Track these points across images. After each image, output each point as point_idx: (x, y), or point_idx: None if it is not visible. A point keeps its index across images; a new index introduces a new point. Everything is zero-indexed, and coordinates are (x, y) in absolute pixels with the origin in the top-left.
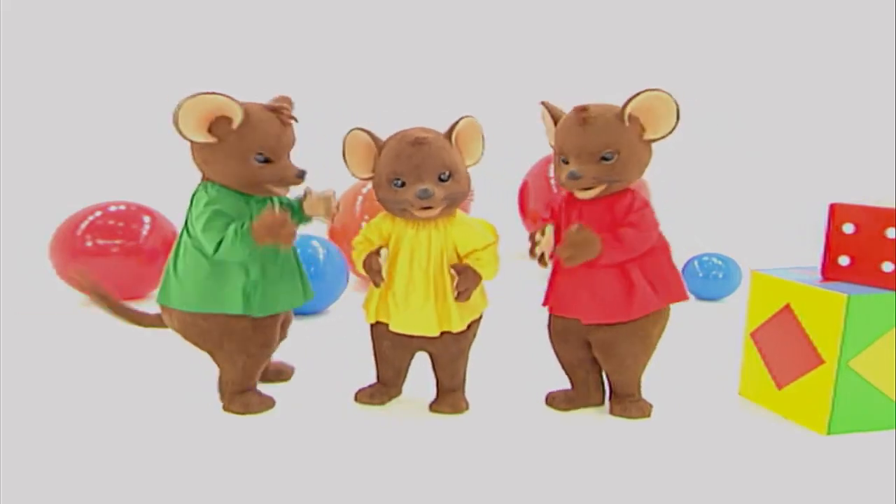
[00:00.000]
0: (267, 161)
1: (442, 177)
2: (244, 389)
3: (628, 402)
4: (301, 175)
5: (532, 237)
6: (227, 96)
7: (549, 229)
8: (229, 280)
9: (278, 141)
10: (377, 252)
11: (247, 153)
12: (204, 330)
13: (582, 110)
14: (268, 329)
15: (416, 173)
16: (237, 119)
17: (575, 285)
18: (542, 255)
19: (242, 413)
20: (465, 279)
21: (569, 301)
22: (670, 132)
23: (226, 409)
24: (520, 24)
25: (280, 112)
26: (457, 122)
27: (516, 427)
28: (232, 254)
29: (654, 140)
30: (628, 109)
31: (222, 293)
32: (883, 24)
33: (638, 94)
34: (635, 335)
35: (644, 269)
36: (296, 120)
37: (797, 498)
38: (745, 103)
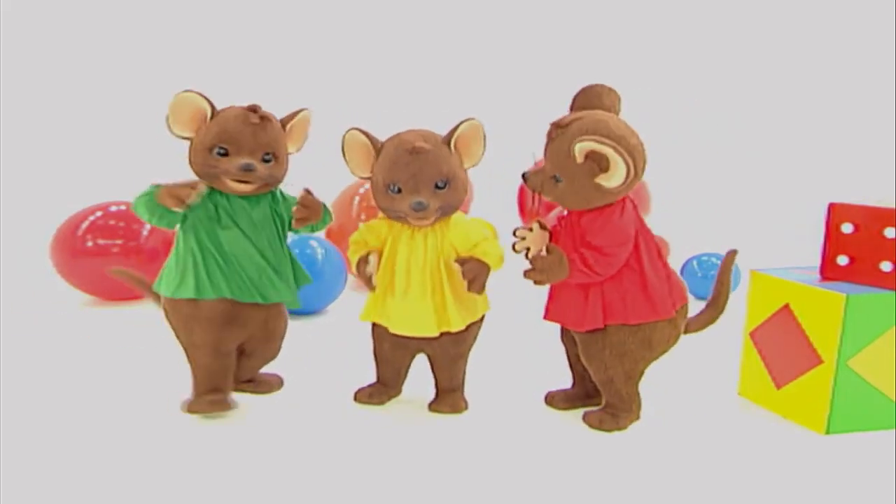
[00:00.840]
0: (226, 154)
1: (438, 185)
2: (214, 388)
3: (598, 412)
4: (244, 168)
5: (514, 232)
6: (197, 93)
7: (537, 226)
8: (197, 266)
9: (240, 135)
10: (366, 259)
11: (209, 144)
12: (174, 311)
13: (556, 125)
14: (241, 319)
15: (413, 182)
16: (207, 114)
17: (551, 288)
18: (528, 250)
19: (204, 413)
20: (471, 268)
21: (548, 302)
22: (620, 185)
23: (190, 409)
24: (521, 23)
25: (248, 111)
26: (457, 127)
27: (515, 426)
28: (138, 205)
29: (602, 186)
30: (584, 145)
31: (188, 278)
32: (883, 24)
33: (601, 139)
34: (604, 342)
35: (606, 287)
36: (262, 119)
37: (796, 497)
38: (744, 103)
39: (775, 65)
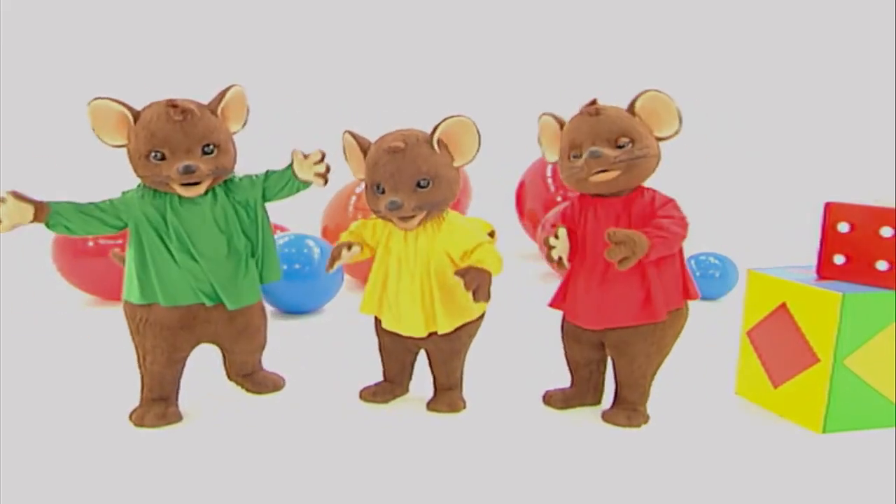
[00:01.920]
0: (164, 158)
1: (421, 184)
2: (162, 397)
3: (620, 410)
4: (184, 171)
5: (546, 242)
6: (110, 99)
7: (563, 232)
8: (144, 270)
9: (170, 135)
10: (348, 245)
11: (144, 151)
12: (129, 315)
13: (591, 104)
14: (199, 321)
15: (392, 182)
16: (130, 118)
17: (593, 295)
18: (561, 258)
19: (154, 427)
20: (471, 278)
21: (586, 310)
22: (673, 135)
23: (139, 423)
24: (519, 24)
25: (169, 108)
26: (438, 125)
27: (513, 426)
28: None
29: (662, 137)
30: (638, 104)
31: (134, 282)
32: (883, 24)
33: (653, 94)
34: (653, 335)
35: (661, 270)
36: (185, 114)
37: (793, 496)
38: (741, 103)
39: (772, 64)
